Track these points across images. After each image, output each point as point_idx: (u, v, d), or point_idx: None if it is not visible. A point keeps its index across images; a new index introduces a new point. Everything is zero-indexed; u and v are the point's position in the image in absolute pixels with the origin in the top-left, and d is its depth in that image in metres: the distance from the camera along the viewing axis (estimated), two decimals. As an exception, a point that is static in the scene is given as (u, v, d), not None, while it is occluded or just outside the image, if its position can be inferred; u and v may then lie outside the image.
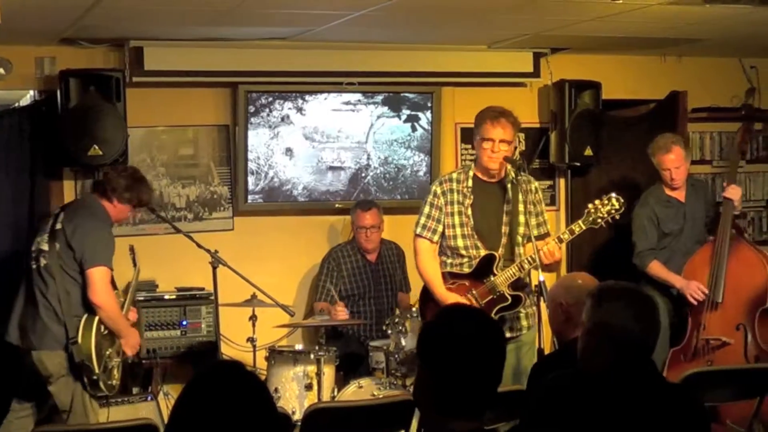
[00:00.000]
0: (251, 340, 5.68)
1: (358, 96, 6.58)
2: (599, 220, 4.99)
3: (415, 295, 6.14)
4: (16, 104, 6.46)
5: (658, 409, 2.86)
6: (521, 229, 5.04)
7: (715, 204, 6.12)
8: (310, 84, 6.44)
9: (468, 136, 6.50)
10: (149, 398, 5.79)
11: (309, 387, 5.26)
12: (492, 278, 5.04)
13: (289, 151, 6.50)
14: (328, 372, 5.34)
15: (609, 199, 5.00)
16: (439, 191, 5.14)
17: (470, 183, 5.11)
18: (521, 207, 4.98)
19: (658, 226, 6.04)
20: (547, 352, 4.77)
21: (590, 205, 5.01)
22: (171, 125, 6.40)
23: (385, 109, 6.66)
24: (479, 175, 5.13)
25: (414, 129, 6.75)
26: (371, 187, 6.71)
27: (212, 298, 5.84)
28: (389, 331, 5.43)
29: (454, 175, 5.19)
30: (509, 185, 5.06)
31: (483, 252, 5.06)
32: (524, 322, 5.15)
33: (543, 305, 4.52)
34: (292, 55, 6.29)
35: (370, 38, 6.29)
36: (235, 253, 5.95)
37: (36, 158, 6.01)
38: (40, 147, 5.99)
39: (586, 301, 3.04)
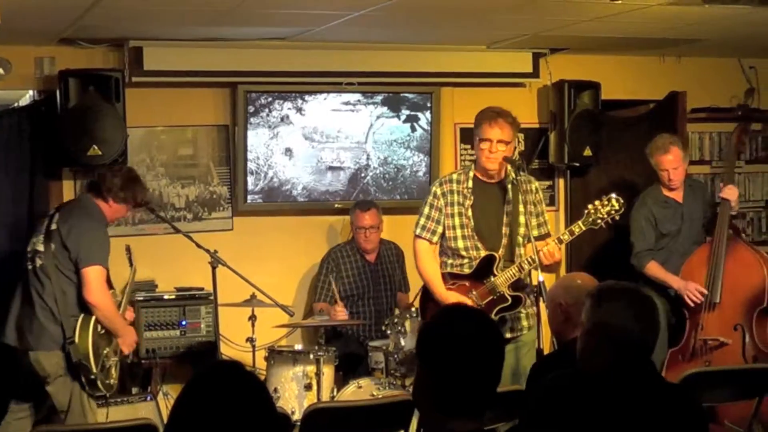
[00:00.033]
0: (250, 340, 5.68)
1: (357, 96, 6.58)
2: (599, 221, 4.98)
3: (414, 294, 6.15)
4: (16, 104, 6.46)
5: (657, 410, 2.86)
6: (521, 230, 5.04)
7: (713, 204, 6.13)
8: (309, 84, 6.44)
9: (467, 136, 6.51)
10: (148, 398, 5.80)
11: (308, 387, 5.26)
12: (492, 279, 5.04)
13: (288, 151, 6.50)
14: (328, 372, 5.34)
15: (609, 200, 4.99)
16: (439, 192, 5.14)
17: (470, 184, 5.11)
18: (521, 207, 4.98)
19: (656, 226, 6.04)
20: (546, 352, 4.78)
21: (590, 206, 5.01)
22: (170, 125, 6.40)
23: (385, 109, 6.66)
24: (479, 175, 5.12)
25: (413, 129, 6.75)
26: (371, 188, 6.71)
27: (211, 298, 5.84)
28: (388, 332, 5.43)
29: (455, 176, 5.19)
30: (509, 186, 5.06)
31: (483, 253, 5.06)
32: (525, 323, 5.15)
33: (542, 305, 4.52)
34: (291, 55, 6.29)
35: (370, 38, 6.29)
36: (234, 253, 5.95)
37: (35, 158, 6.02)
38: (40, 147, 5.99)
39: (586, 301, 3.04)
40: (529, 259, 4.92)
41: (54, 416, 5.19)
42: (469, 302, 4.97)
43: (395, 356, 5.35)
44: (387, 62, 6.51)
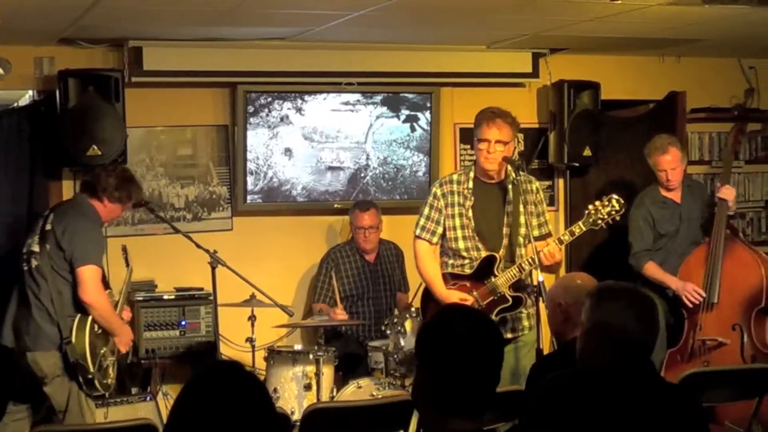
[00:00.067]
0: (250, 340, 5.68)
1: (357, 96, 6.58)
2: (599, 222, 4.98)
3: (414, 295, 6.15)
4: (15, 104, 6.46)
5: (657, 410, 2.86)
6: (522, 230, 5.03)
7: (711, 205, 6.13)
8: (309, 84, 6.44)
9: (467, 136, 6.51)
10: (148, 398, 5.79)
11: (308, 387, 5.26)
12: (493, 279, 5.04)
13: (288, 152, 6.50)
14: (327, 372, 5.34)
15: (609, 200, 4.99)
16: (439, 193, 5.14)
17: (471, 184, 5.11)
18: (522, 208, 4.98)
19: (654, 227, 6.04)
20: (546, 352, 4.77)
21: (590, 206, 5.01)
22: (170, 125, 6.40)
23: (384, 109, 6.66)
24: (480, 176, 5.12)
25: (413, 129, 6.75)
26: (370, 188, 6.71)
27: (211, 298, 5.84)
28: (388, 332, 5.43)
29: (455, 177, 5.19)
30: (510, 186, 5.05)
31: (484, 253, 5.06)
32: (526, 323, 5.14)
33: (542, 305, 4.52)
34: (291, 55, 6.29)
35: (370, 38, 6.29)
36: (234, 253, 5.95)
37: (35, 158, 6.01)
38: (39, 147, 5.99)
39: (586, 301, 3.04)
40: (530, 260, 4.92)
41: (53, 417, 5.19)
42: (470, 300, 4.99)
43: (395, 356, 5.35)
44: (387, 62, 6.51)
